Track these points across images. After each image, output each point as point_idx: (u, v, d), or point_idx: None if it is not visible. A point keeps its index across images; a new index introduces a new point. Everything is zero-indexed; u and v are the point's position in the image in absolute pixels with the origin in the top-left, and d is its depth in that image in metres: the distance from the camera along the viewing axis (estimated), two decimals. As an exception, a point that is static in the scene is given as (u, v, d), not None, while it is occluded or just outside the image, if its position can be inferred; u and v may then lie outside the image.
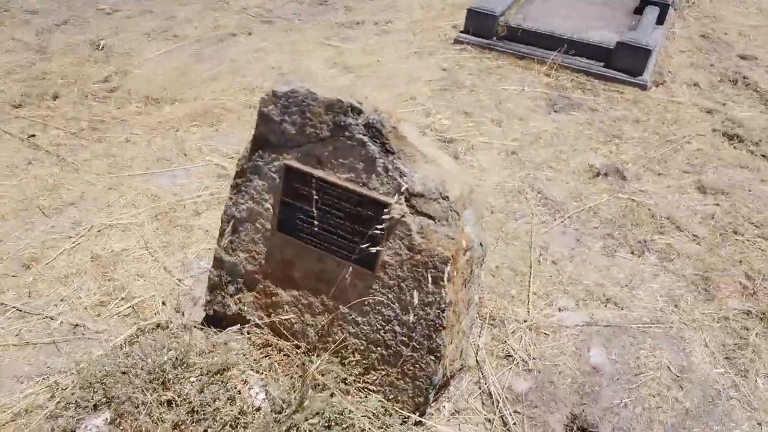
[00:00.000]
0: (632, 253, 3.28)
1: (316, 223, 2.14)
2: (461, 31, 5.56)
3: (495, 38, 5.42)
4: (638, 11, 6.01)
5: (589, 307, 2.91)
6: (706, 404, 2.49)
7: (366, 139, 1.97)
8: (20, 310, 2.57)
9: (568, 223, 3.46)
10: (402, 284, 2.09)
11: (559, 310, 2.88)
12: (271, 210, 2.22)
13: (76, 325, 2.53)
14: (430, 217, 1.99)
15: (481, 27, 5.41)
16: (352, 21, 5.79)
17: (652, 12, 5.76)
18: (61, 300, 2.64)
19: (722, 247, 3.38)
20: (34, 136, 3.63)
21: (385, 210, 1.98)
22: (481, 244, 2.26)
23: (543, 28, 5.33)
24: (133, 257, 2.90)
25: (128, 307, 2.64)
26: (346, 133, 2.00)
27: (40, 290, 2.68)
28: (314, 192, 2.10)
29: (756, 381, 2.62)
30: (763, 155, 4.33)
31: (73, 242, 2.94)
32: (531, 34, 5.31)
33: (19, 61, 4.46)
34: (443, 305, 2.05)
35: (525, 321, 2.78)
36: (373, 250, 2.03)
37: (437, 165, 2.02)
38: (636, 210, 3.60)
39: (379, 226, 2.00)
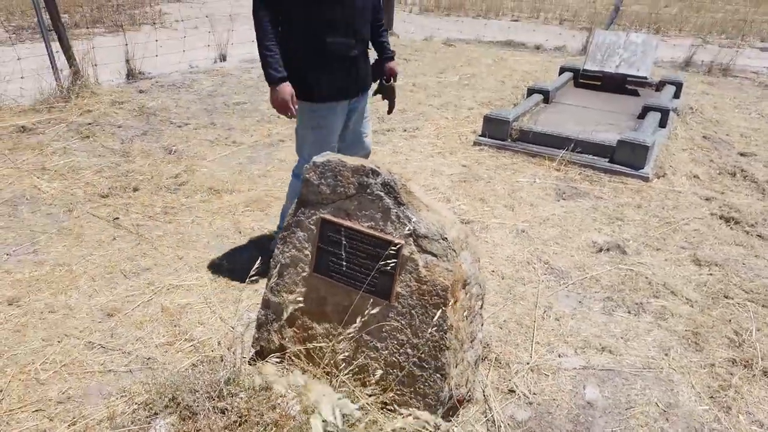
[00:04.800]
0: (629, 312, 3.67)
1: (344, 263, 2.69)
2: (479, 135, 6.33)
3: (509, 140, 6.15)
4: (642, 116, 6.70)
5: (587, 354, 3.28)
6: (689, 432, 2.79)
7: (383, 194, 2.57)
8: (104, 347, 3.14)
9: (571, 288, 3.90)
10: (412, 311, 2.58)
11: (559, 356, 3.26)
12: (310, 256, 2.79)
13: (149, 358, 3.07)
14: (433, 254, 2.53)
15: (496, 131, 6.17)
16: (384, 129, 6.65)
17: (653, 116, 6.44)
18: (137, 340, 3.20)
19: (714, 308, 3.74)
20: (118, 218, 4.39)
21: (397, 248, 2.53)
22: (479, 284, 2.76)
23: (552, 130, 6.05)
24: (195, 310, 3.47)
25: (190, 346, 3.17)
26: (368, 191, 2.60)
27: (120, 333, 3.25)
28: (343, 238, 2.68)
29: (738, 417, 2.90)
30: (758, 235, 4.72)
31: (148, 298, 3.55)
32: (541, 135, 6.02)
33: (107, 163, 5.37)
34: (445, 327, 2.52)
35: (528, 363, 3.17)
36: (390, 279, 2.56)
37: (438, 213, 2.59)
38: (634, 278, 4.02)
39: (391, 262, 2.54)
